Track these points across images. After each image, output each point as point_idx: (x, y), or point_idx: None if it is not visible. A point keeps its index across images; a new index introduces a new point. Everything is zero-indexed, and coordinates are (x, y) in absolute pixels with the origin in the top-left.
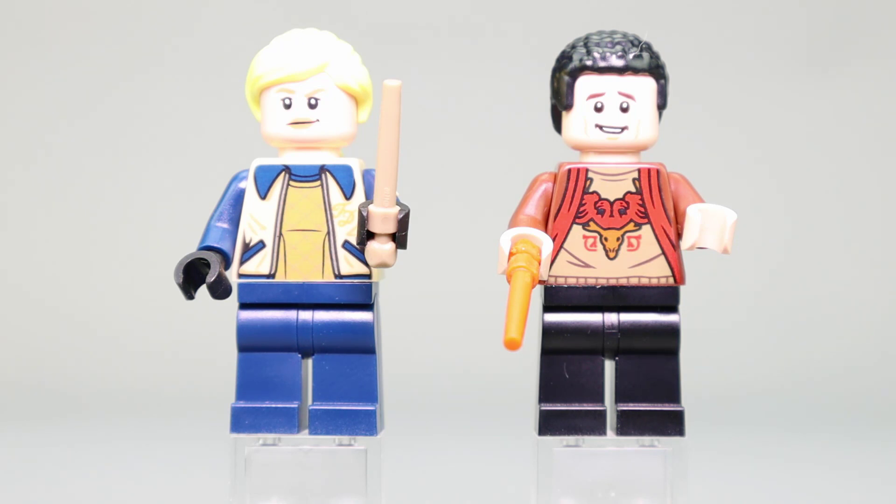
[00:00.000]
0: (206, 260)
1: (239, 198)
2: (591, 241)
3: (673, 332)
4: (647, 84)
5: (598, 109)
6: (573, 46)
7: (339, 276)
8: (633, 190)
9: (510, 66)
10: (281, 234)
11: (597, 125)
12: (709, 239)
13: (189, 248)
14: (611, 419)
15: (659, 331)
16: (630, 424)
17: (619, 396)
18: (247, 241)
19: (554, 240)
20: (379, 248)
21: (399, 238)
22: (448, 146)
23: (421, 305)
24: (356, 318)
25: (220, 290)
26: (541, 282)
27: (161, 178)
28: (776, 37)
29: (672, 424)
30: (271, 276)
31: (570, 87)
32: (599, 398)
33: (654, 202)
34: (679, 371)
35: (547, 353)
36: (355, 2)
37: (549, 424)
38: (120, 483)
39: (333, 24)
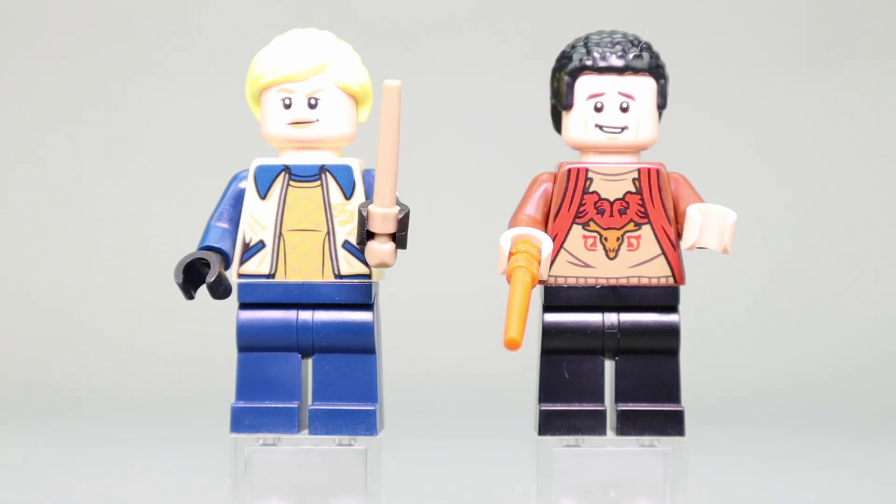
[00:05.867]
0: (205, 260)
1: (239, 198)
2: (591, 241)
3: (673, 331)
4: (647, 84)
5: (598, 109)
6: (573, 46)
7: (339, 276)
8: (633, 190)
9: (510, 66)
10: (281, 234)
11: (597, 125)
12: (709, 239)
13: (189, 248)
14: (611, 419)
15: (659, 331)
16: (630, 424)
17: (619, 396)
18: (247, 241)
19: (554, 240)
20: (379, 248)
21: (399, 238)
22: (448, 146)
23: (421, 305)
24: (356, 318)
25: (220, 290)
26: (541, 282)
27: (161, 179)
28: (776, 36)
29: (672, 424)
30: (271, 276)
31: (570, 87)
32: (599, 398)
33: (653, 202)
34: (679, 371)
35: (547, 353)
36: (355, 2)
37: (549, 424)
38: (120, 483)
39: (333, 24)
